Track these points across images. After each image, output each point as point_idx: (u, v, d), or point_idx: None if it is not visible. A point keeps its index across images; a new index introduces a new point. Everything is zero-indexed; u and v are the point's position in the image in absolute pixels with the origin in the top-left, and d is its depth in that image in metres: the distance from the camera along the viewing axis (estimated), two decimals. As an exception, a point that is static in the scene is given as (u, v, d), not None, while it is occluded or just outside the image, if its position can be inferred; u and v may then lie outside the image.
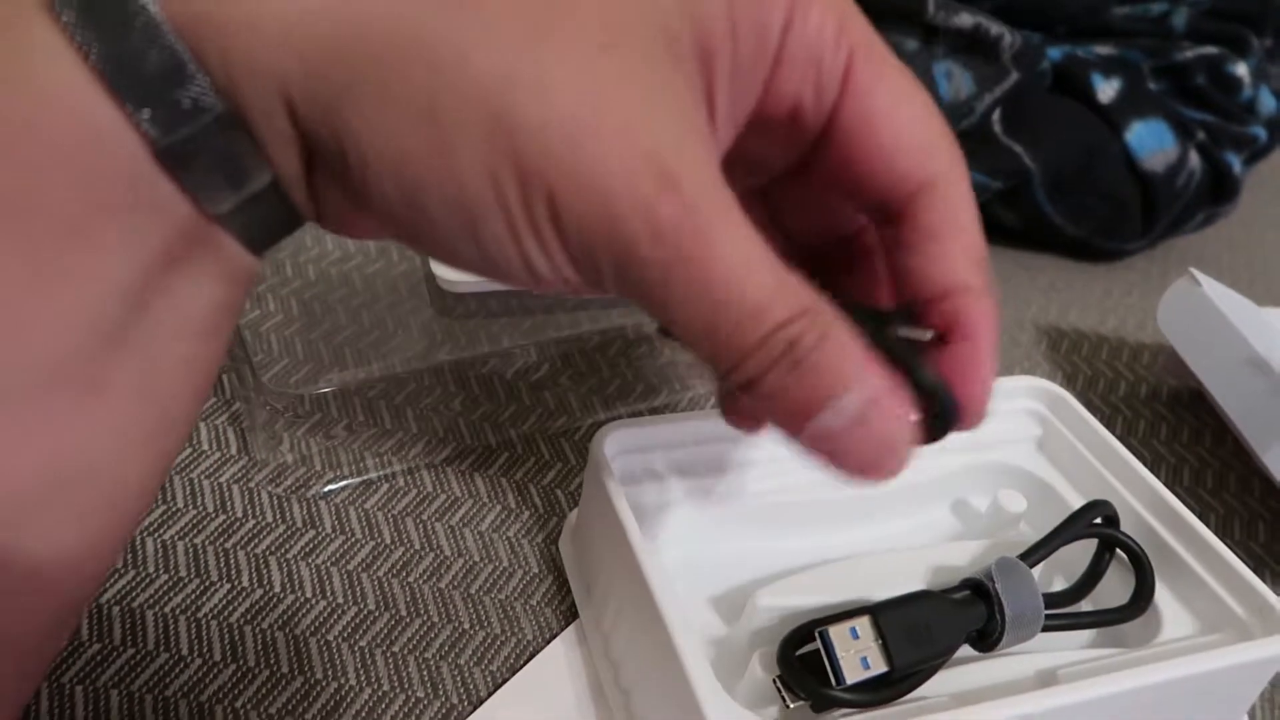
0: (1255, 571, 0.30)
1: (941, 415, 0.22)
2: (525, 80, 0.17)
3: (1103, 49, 0.58)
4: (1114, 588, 0.31)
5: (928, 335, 0.22)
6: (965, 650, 0.28)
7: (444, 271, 0.41)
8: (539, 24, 0.17)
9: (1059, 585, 0.32)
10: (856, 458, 0.20)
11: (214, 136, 0.17)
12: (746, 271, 0.19)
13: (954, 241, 0.23)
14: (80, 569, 0.18)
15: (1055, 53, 0.57)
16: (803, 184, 0.25)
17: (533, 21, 0.17)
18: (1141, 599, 0.30)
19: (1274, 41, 0.62)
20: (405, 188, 0.17)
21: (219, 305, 0.19)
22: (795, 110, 0.22)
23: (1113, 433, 0.35)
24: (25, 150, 0.16)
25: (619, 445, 0.31)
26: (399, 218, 0.18)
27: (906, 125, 0.22)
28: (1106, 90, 0.55)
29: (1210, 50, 0.58)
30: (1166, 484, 0.32)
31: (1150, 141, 0.54)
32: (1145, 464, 0.33)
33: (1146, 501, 0.32)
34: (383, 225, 0.19)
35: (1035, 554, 0.30)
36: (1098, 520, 0.31)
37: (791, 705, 0.25)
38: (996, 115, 0.53)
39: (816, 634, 0.25)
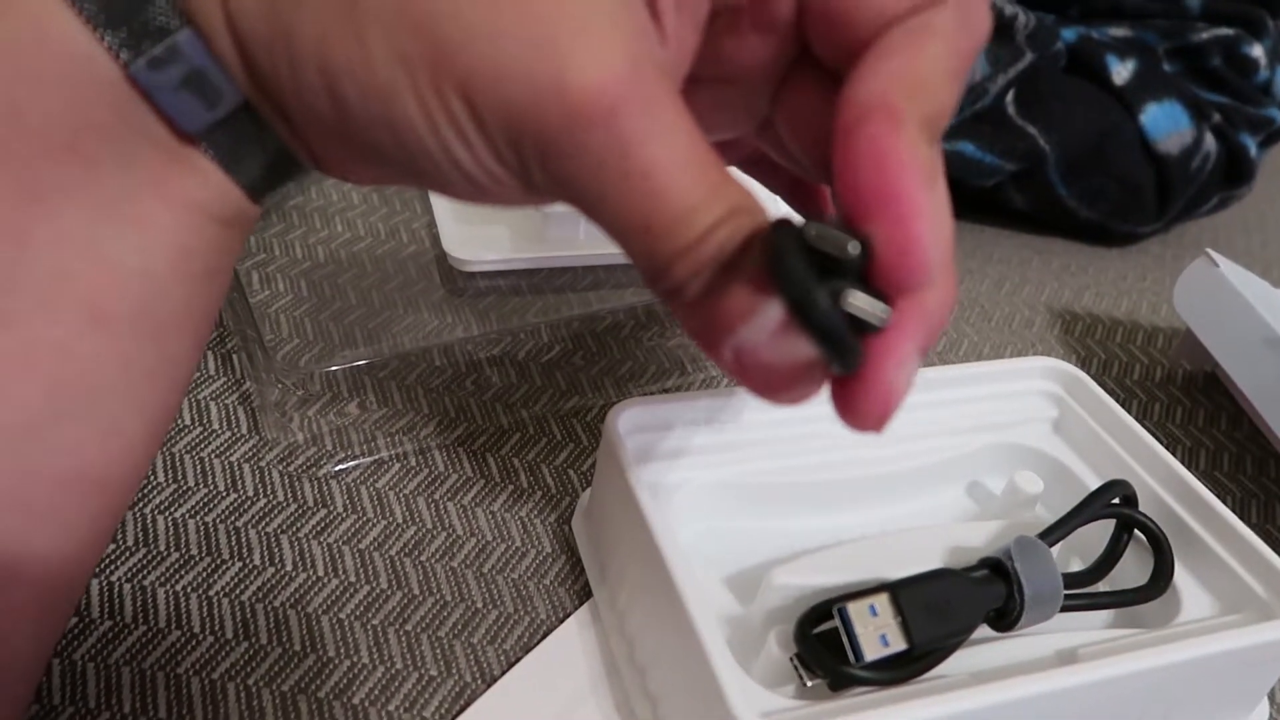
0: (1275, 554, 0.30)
1: (835, 354, 0.18)
2: None
3: (1117, 30, 0.58)
4: (1132, 568, 0.31)
5: (850, 249, 0.17)
6: (983, 631, 0.28)
7: (456, 251, 0.41)
8: None
9: (1076, 566, 0.32)
10: (774, 378, 0.19)
11: (178, 57, 0.17)
12: (684, 163, 0.18)
13: (890, 59, 0.19)
14: (80, 506, 0.19)
15: (1069, 34, 0.56)
16: (803, 86, 0.23)
17: None
18: (1161, 579, 0.30)
19: (1290, 23, 0.62)
20: (326, 76, 0.17)
21: (213, 246, 0.19)
22: None
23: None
24: (14, 71, 0.16)
25: (633, 423, 0.30)
26: (326, 118, 0.18)
27: None
28: (1121, 72, 0.55)
29: (1226, 32, 0.57)
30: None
31: (1165, 123, 0.54)
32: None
33: (1164, 482, 0.32)
34: (340, 144, 0.19)
35: (1053, 534, 0.29)
36: (1116, 500, 0.31)
37: (809, 683, 0.25)
38: (1010, 96, 0.53)
39: (835, 611, 0.25)
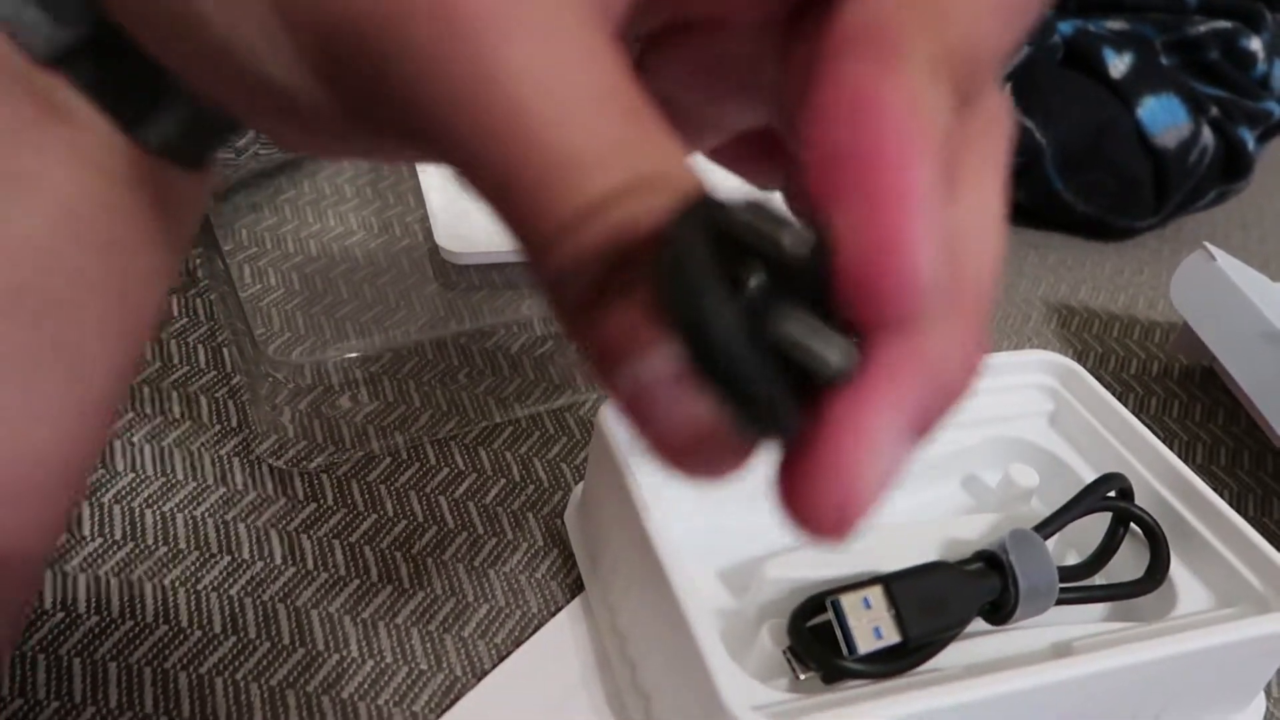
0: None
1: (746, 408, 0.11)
2: None
3: (1114, 23, 0.58)
4: (1128, 562, 0.30)
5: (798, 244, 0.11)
6: (978, 624, 0.27)
7: (448, 244, 0.41)
8: None
9: (1072, 559, 0.32)
10: (671, 438, 0.12)
11: None
12: (568, 91, 0.12)
13: None
14: None
15: (1066, 27, 0.56)
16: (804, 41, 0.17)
17: None
18: (1156, 573, 0.30)
19: (1288, 17, 0.62)
20: None
21: (114, 209, 0.16)
22: None
23: (1126, 407, 0.34)
24: None
25: (625, 416, 0.30)
26: (141, 21, 0.15)
27: None
28: (1118, 65, 0.54)
29: (1223, 25, 0.57)
30: (1181, 459, 0.32)
31: (1163, 117, 0.53)
32: (1159, 438, 0.33)
33: (1161, 475, 0.32)
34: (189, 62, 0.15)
35: (1049, 527, 0.29)
36: (1112, 494, 0.31)
37: (802, 677, 0.25)
38: (1006, 90, 0.53)
39: (829, 603, 0.25)
